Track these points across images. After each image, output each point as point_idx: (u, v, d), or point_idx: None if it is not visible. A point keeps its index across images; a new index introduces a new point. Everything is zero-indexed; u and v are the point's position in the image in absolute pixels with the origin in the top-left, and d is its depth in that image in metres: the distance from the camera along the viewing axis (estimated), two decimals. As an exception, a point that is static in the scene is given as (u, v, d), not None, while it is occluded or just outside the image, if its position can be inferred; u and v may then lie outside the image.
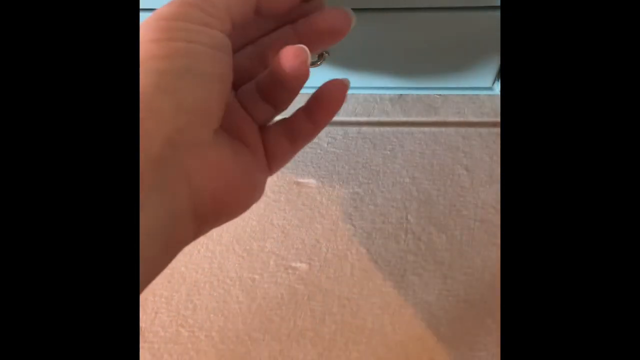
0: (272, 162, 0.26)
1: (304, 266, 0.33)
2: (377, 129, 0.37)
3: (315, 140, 0.37)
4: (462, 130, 0.37)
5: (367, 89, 0.38)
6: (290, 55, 0.23)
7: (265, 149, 0.26)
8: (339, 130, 0.37)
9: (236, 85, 0.26)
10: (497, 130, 0.37)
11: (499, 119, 0.37)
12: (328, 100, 0.26)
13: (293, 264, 0.33)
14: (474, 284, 0.32)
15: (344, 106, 0.38)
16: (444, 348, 0.31)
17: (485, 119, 0.37)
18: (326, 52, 0.27)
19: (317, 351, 0.31)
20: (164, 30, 0.20)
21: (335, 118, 0.38)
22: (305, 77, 0.24)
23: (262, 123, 0.26)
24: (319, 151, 0.37)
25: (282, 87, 0.24)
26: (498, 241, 0.33)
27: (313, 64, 0.26)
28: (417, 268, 0.33)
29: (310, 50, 0.26)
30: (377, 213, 0.34)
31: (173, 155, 0.19)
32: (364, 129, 0.37)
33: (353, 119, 0.38)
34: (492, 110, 0.37)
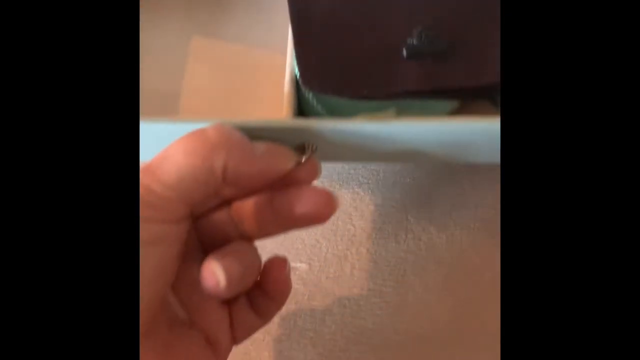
0: (239, 333, 0.25)
1: (304, 266, 0.33)
2: (377, 129, 0.37)
3: (315, 140, 0.37)
4: (462, 130, 0.37)
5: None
6: (204, 276, 0.22)
7: (231, 321, 0.24)
8: (339, 130, 0.37)
9: (208, 249, 0.25)
10: (497, 130, 0.37)
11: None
12: (273, 285, 0.25)
13: (293, 264, 0.33)
14: (474, 284, 0.32)
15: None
16: (444, 348, 0.31)
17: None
18: (314, 146, 0.25)
19: (317, 351, 0.31)
20: None
21: (335, 118, 0.38)
22: (224, 295, 0.23)
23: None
24: (319, 151, 0.37)
25: None
26: (498, 241, 0.33)
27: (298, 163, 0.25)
28: (417, 268, 0.33)
29: (287, 229, 0.25)
30: (377, 213, 0.34)
31: None
32: (364, 129, 0.37)
33: (353, 119, 0.37)
34: (492, 110, 0.37)
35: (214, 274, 0.22)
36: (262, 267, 0.25)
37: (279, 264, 0.25)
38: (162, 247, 0.21)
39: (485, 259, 0.33)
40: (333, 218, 0.34)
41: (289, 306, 0.32)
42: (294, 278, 0.33)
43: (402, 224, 0.34)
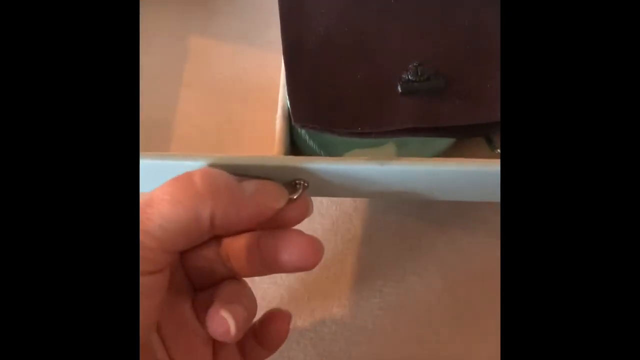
0: None
1: (304, 266, 0.33)
2: (377, 129, 0.37)
3: (315, 140, 0.37)
4: (462, 130, 0.37)
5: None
6: (215, 323, 0.22)
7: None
8: (339, 130, 0.37)
9: (195, 284, 0.25)
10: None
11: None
12: (272, 335, 0.24)
13: (293, 264, 0.33)
14: (474, 284, 0.32)
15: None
16: (444, 348, 0.31)
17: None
18: (305, 183, 0.25)
19: (317, 352, 0.31)
20: None
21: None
22: (231, 341, 0.22)
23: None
24: (318, 151, 0.37)
25: None
26: (498, 241, 0.33)
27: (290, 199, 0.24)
28: (417, 268, 0.33)
29: (273, 272, 0.24)
30: (377, 213, 0.34)
31: None
32: (364, 129, 0.37)
33: (353, 119, 0.37)
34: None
35: (225, 320, 0.21)
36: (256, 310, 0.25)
37: (284, 317, 0.25)
38: (144, 300, 0.20)
39: (485, 259, 0.33)
40: (333, 218, 0.34)
41: (289, 306, 0.32)
42: (293, 278, 0.33)
43: (402, 224, 0.34)
